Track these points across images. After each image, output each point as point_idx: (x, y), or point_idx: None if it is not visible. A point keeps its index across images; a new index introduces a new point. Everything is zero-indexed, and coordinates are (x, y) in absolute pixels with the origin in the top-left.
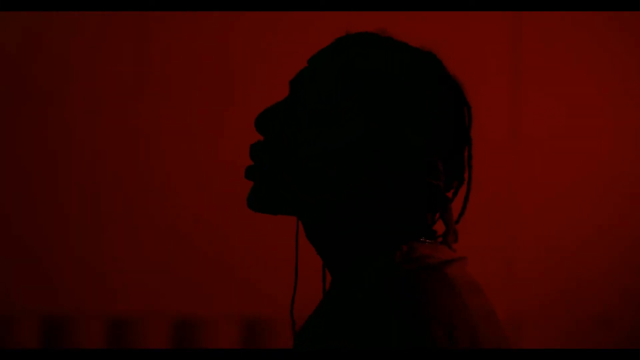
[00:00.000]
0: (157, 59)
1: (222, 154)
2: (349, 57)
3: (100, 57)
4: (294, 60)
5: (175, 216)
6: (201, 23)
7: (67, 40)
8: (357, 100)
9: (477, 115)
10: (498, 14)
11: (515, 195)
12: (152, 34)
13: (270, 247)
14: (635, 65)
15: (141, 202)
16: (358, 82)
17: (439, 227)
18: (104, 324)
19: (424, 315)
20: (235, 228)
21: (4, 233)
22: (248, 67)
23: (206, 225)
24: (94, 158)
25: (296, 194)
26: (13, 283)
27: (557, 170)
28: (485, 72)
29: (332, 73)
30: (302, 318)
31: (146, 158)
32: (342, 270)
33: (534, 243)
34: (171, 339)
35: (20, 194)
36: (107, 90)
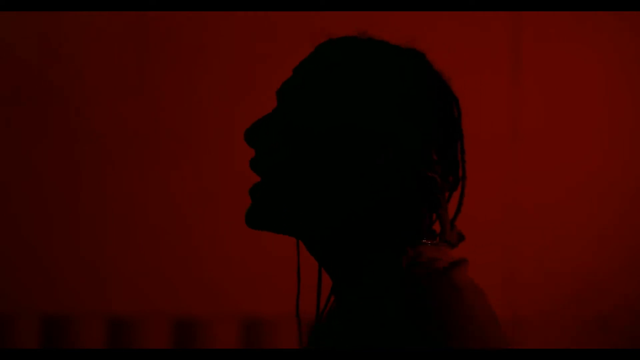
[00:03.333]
0: (158, 59)
1: (222, 154)
2: (333, 62)
3: (101, 57)
4: (295, 60)
5: (175, 216)
6: (203, 23)
7: (71, 40)
8: (344, 101)
9: (477, 115)
10: (498, 14)
11: (515, 196)
12: (154, 34)
13: (270, 247)
14: (636, 64)
15: (141, 202)
16: (343, 84)
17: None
18: (104, 324)
19: (436, 322)
20: (235, 228)
21: (5, 233)
22: (249, 67)
23: (206, 225)
24: (95, 158)
25: (288, 204)
26: (13, 282)
27: (557, 171)
28: (485, 72)
29: (317, 78)
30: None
31: (146, 158)
32: (345, 273)
33: (534, 244)
34: (171, 339)
35: (21, 193)
36: (107, 91)
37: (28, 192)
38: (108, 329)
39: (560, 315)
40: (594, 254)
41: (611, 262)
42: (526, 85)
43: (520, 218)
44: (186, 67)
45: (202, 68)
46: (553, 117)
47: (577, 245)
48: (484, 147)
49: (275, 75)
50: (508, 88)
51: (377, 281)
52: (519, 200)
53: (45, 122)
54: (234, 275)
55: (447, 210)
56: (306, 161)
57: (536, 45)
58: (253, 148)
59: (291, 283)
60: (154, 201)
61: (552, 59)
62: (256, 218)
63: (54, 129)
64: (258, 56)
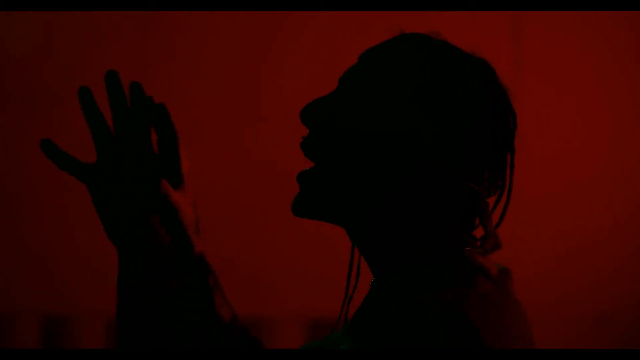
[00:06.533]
0: (158, 59)
1: (222, 153)
2: (403, 59)
3: (100, 57)
4: (295, 61)
5: None
6: (202, 23)
7: (69, 40)
8: (408, 100)
9: None
10: (498, 14)
11: (516, 195)
12: (153, 33)
13: (271, 247)
14: (636, 64)
15: None
16: (410, 84)
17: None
18: (104, 323)
19: (493, 331)
20: (235, 227)
21: (6, 232)
22: (249, 68)
23: (205, 225)
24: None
25: (340, 193)
26: (14, 282)
27: (557, 172)
28: None
29: (385, 73)
30: (309, 316)
31: None
32: (390, 271)
33: (534, 243)
34: None
35: (22, 193)
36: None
37: (28, 192)
38: (108, 328)
39: (560, 315)
40: (594, 253)
41: (611, 262)
42: (526, 85)
43: (520, 218)
44: (186, 67)
45: (201, 68)
46: (553, 116)
47: (577, 245)
48: None
49: (275, 75)
50: (508, 88)
51: (429, 281)
52: (519, 200)
53: (45, 122)
54: (235, 275)
55: (492, 220)
56: (346, 153)
57: (536, 45)
58: (307, 126)
59: (291, 283)
60: None
61: (552, 59)
62: (302, 206)
63: (53, 128)
64: (258, 56)
